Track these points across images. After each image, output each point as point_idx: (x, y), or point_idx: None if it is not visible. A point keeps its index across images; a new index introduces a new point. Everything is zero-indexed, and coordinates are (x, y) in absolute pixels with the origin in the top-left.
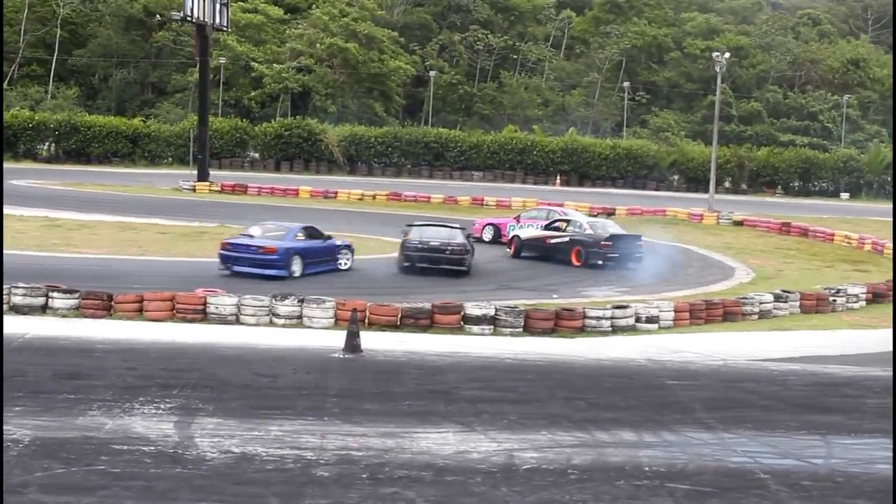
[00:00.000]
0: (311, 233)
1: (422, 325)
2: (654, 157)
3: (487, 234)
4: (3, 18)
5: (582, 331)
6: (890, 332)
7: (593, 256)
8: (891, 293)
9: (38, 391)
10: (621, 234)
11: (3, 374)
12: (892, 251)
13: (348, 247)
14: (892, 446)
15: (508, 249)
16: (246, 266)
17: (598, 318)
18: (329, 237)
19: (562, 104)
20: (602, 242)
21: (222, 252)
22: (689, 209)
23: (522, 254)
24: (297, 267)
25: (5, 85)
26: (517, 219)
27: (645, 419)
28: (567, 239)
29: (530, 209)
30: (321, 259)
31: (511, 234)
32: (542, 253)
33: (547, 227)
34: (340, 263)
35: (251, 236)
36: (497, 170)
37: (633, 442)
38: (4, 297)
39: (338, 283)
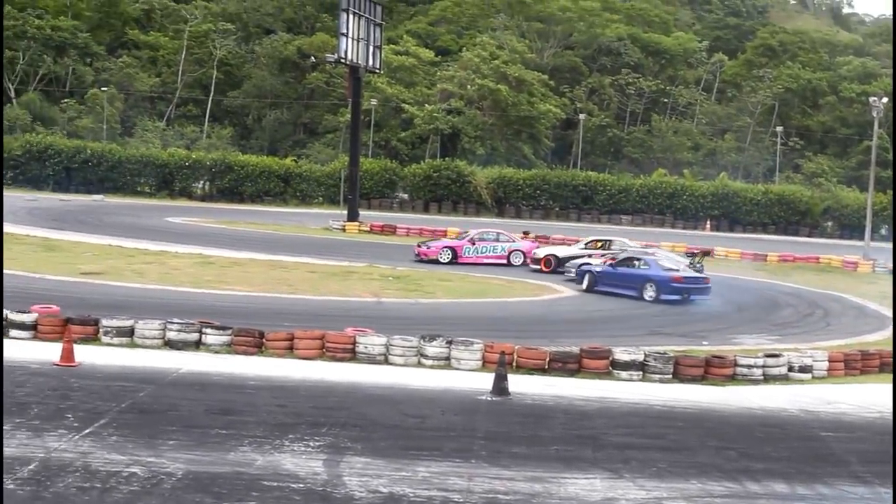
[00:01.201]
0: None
1: (570, 369)
2: (806, 202)
3: (445, 257)
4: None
5: (733, 379)
6: None
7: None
8: None
9: (192, 426)
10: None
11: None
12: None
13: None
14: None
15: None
16: None
17: (750, 366)
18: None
19: (713, 148)
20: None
21: None
22: (843, 257)
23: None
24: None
25: (163, 124)
26: (472, 241)
27: (798, 471)
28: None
29: (482, 231)
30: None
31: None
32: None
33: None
34: None
35: None
36: (646, 214)
37: (786, 494)
38: (160, 332)
39: (485, 325)
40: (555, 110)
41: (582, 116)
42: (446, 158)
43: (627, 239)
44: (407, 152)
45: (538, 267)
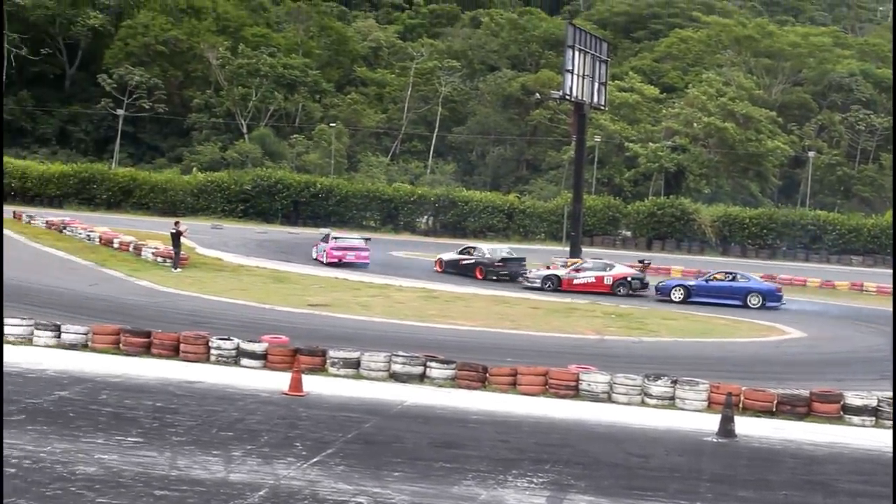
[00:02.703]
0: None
1: (798, 412)
2: None
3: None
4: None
5: None
6: None
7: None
8: None
9: (416, 458)
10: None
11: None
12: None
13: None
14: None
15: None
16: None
17: None
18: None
19: None
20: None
21: None
22: None
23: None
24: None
25: (388, 159)
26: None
27: None
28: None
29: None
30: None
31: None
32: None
33: (460, 253)
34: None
35: None
36: (878, 255)
37: None
38: (385, 364)
39: (709, 365)
40: (783, 147)
41: (811, 154)
42: (670, 196)
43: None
44: (630, 189)
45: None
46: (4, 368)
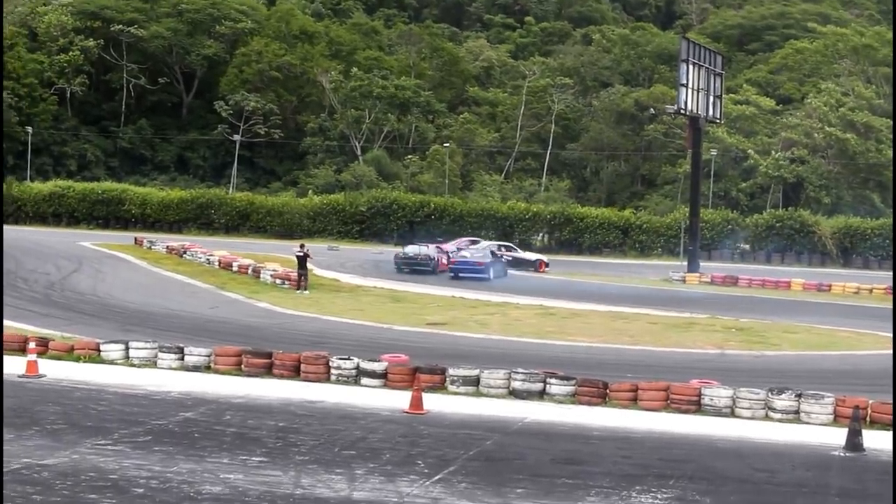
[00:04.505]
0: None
1: None
2: None
3: None
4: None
5: None
6: None
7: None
8: None
9: (538, 475)
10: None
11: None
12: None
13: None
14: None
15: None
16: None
17: None
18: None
19: None
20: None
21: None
22: None
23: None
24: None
25: (501, 178)
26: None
27: None
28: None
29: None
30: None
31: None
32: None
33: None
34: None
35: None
36: None
37: None
38: (504, 381)
39: (833, 378)
40: None
41: None
42: (789, 208)
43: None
44: (746, 203)
45: None
46: (131, 390)
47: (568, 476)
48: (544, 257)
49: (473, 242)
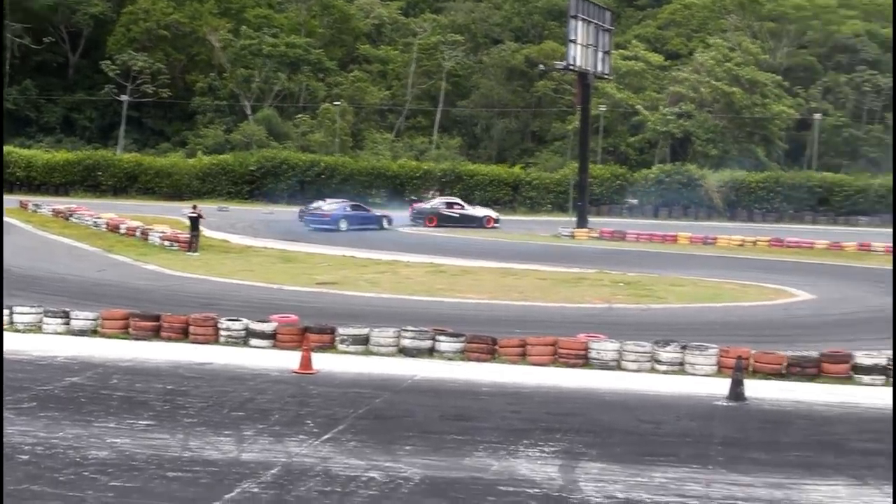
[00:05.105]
0: (358, 206)
1: (808, 373)
2: None
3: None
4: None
5: None
6: None
7: None
8: None
9: (427, 431)
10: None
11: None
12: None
13: (387, 217)
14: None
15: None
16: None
17: None
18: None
19: None
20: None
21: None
22: None
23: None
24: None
25: (392, 136)
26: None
27: None
28: None
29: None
30: (363, 222)
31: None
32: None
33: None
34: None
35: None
36: (885, 214)
37: None
38: (394, 339)
39: (718, 330)
40: (788, 111)
41: (817, 116)
42: (677, 163)
43: None
44: (636, 157)
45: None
46: (15, 356)
47: (457, 432)
48: (493, 213)
49: (450, 204)
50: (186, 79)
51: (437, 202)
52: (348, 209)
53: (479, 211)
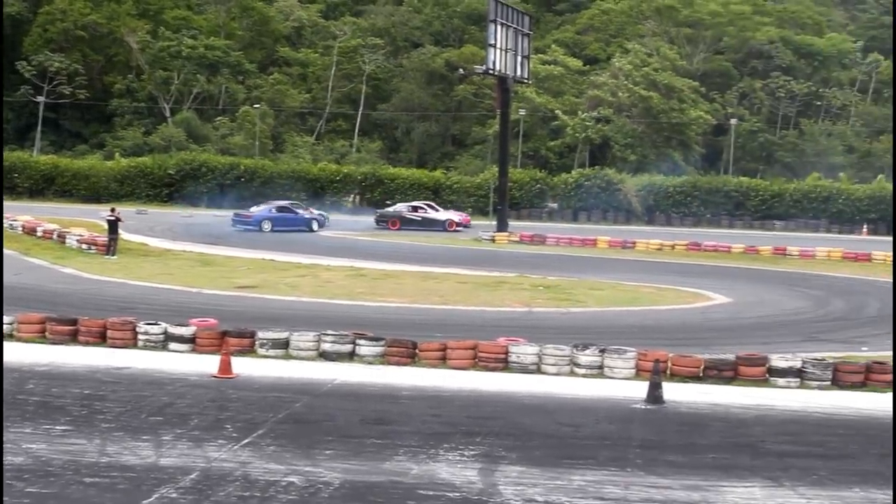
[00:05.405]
0: (284, 208)
1: (725, 376)
2: None
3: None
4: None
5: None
6: None
7: None
8: None
9: (347, 435)
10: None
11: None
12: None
13: (316, 219)
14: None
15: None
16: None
17: None
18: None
19: (868, 150)
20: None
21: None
22: None
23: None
24: (267, 227)
25: (313, 139)
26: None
27: None
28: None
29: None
30: (289, 224)
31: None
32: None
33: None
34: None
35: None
36: (800, 219)
37: None
38: (314, 343)
39: (637, 333)
40: (705, 116)
41: (733, 121)
42: (596, 167)
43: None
44: (556, 162)
45: None
46: None
47: (377, 436)
48: (456, 217)
49: (415, 208)
50: (104, 80)
51: (400, 206)
52: (273, 211)
53: (441, 215)
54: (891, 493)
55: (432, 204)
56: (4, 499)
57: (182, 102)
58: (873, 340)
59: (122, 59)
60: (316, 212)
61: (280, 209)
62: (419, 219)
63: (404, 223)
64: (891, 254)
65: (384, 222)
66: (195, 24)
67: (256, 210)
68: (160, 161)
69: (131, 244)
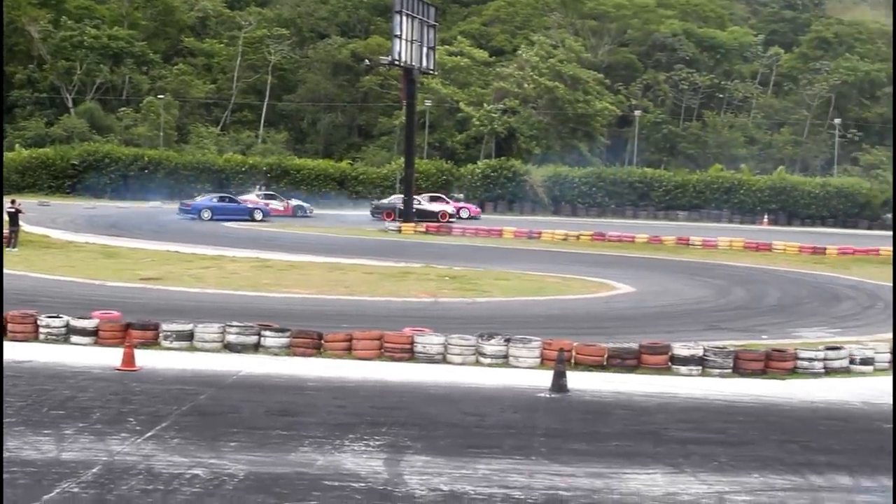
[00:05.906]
0: (225, 198)
1: (629, 365)
2: (866, 195)
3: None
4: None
5: (793, 372)
6: None
7: None
8: None
9: (252, 427)
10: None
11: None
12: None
13: (260, 209)
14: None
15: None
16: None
17: (811, 359)
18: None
19: (769, 142)
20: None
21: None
22: None
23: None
24: (206, 215)
25: (218, 130)
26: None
27: (861, 463)
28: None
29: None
30: (229, 213)
31: None
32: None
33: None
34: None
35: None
36: (703, 209)
37: (850, 487)
38: (219, 335)
39: (542, 323)
40: (610, 107)
41: (637, 113)
42: (502, 158)
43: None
44: (462, 153)
45: None
46: None
47: (282, 427)
48: (450, 209)
49: (439, 198)
50: (4, 70)
51: (394, 198)
52: (214, 200)
53: (434, 206)
54: (788, 479)
55: (442, 195)
56: None
57: (85, 93)
58: (773, 329)
59: (23, 49)
60: (295, 202)
61: (221, 199)
62: (414, 210)
63: (399, 214)
64: (791, 243)
65: (379, 214)
66: (98, 13)
67: (199, 198)
68: (62, 152)
69: (33, 236)
